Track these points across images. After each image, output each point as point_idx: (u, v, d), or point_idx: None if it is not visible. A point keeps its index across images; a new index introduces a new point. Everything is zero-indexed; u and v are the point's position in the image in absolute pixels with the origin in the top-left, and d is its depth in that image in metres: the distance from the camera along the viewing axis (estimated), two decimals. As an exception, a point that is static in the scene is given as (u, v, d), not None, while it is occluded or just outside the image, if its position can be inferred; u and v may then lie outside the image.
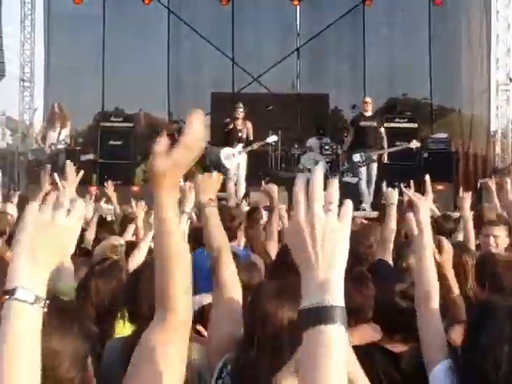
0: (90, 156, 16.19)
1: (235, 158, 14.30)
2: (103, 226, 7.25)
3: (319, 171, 1.57)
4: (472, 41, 19.34)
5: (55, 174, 5.60)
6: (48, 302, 1.69)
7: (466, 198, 6.53)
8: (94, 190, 12.32)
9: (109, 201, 8.76)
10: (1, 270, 2.08)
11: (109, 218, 8.80)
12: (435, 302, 3.15)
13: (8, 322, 1.65)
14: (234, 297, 3.02)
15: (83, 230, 6.02)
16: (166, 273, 2.07)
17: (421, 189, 4.58)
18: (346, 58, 20.13)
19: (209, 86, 19.40)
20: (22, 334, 1.64)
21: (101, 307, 3.93)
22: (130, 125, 17.08)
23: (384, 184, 6.09)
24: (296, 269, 1.57)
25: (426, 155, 15.95)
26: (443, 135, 16.85)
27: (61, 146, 16.12)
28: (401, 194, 5.98)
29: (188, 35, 19.82)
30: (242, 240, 6.01)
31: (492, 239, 5.86)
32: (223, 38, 19.86)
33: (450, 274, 3.81)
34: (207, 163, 16.68)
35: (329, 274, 1.51)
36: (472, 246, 5.95)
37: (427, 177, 4.55)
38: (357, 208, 12.65)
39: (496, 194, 7.75)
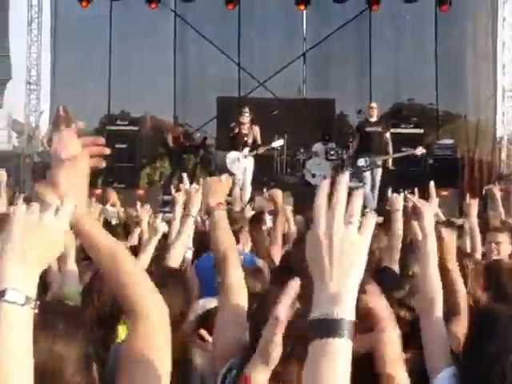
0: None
1: (241, 163, 14.28)
2: (108, 229, 7.24)
3: (344, 181, 1.56)
4: (478, 47, 19.35)
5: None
6: (52, 306, 1.68)
7: (473, 205, 6.48)
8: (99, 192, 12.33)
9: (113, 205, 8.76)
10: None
11: (114, 222, 8.80)
12: (439, 309, 3.14)
13: None
14: (239, 301, 3.01)
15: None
16: (119, 286, 2.09)
17: (425, 195, 4.58)
18: (352, 63, 20.13)
19: (215, 90, 19.43)
20: (13, 336, 1.62)
21: (103, 311, 3.94)
22: (136, 128, 17.11)
23: (389, 190, 6.07)
24: (300, 274, 1.57)
25: (431, 161, 15.95)
26: (449, 141, 16.85)
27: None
28: (406, 199, 5.97)
29: (194, 39, 19.83)
30: (248, 244, 6.00)
31: (494, 246, 5.84)
32: (229, 42, 19.88)
33: (454, 266, 3.70)
34: (213, 168, 16.73)
35: (342, 287, 1.50)
36: (478, 252, 5.93)
37: (432, 183, 4.55)
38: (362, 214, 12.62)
39: (501, 200, 7.72)
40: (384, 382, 2.39)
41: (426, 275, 3.24)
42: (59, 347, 1.96)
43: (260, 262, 5.43)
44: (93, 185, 13.96)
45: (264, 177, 15.48)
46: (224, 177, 3.50)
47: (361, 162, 14.44)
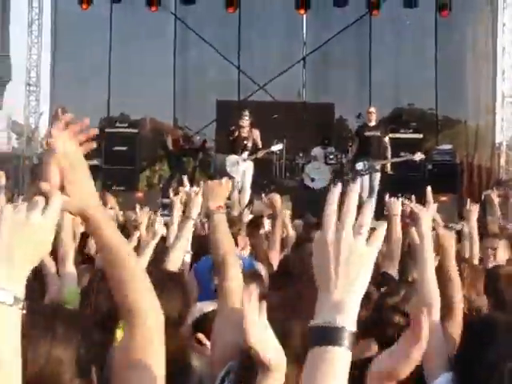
0: (95, 161, 16.22)
1: (240, 166, 14.30)
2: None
3: (355, 190, 1.57)
4: (478, 52, 19.38)
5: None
6: (51, 309, 1.66)
7: (474, 211, 6.47)
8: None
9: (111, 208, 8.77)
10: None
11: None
12: (436, 315, 3.16)
13: None
14: (238, 305, 2.99)
15: (87, 237, 6.03)
16: (123, 286, 2.08)
17: (423, 200, 4.60)
18: (352, 68, 20.16)
19: (214, 93, 19.43)
20: (1, 336, 1.59)
21: (101, 314, 3.92)
22: (135, 131, 17.14)
23: (387, 195, 6.07)
24: (297, 279, 1.58)
25: (430, 166, 15.98)
26: (448, 146, 16.88)
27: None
28: (403, 205, 5.97)
29: (194, 42, 19.85)
30: (247, 248, 6.00)
31: (491, 252, 5.85)
32: (229, 45, 19.90)
33: (453, 266, 3.66)
34: (212, 171, 16.75)
35: (346, 297, 1.51)
36: (475, 257, 5.94)
37: (429, 188, 4.57)
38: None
39: (499, 206, 7.73)
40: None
41: (423, 280, 3.25)
42: (58, 351, 1.96)
43: (259, 266, 5.43)
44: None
45: (263, 180, 15.49)
46: (224, 179, 3.51)
47: (359, 165, 14.48)
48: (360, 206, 1.56)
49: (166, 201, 13.22)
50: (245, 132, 14.36)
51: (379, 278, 5.11)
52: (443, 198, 13.45)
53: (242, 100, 19.48)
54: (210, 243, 3.23)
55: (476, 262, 5.80)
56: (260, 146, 14.44)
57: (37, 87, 19.90)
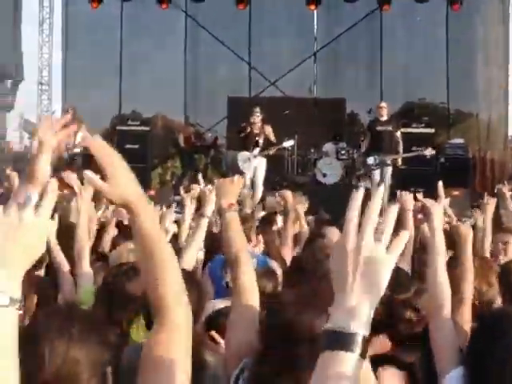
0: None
1: (252, 162, 14.30)
2: (120, 230, 7.25)
3: (379, 195, 1.56)
4: (489, 46, 19.31)
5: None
6: (67, 310, 1.65)
7: (491, 204, 6.42)
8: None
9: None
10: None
11: (125, 222, 8.81)
12: (447, 309, 3.15)
13: None
14: (252, 302, 3.01)
15: (101, 235, 6.06)
16: (156, 280, 2.07)
17: (434, 195, 4.60)
18: (363, 63, 20.14)
19: (225, 90, 19.42)
20: None
21: (116, 313, 3.92)
22: (147, 128, 17.16)
23: (399, 190, 6.06)
24: (311, 276, 1.58)
25: (442, 160, 15.95)
26: (460, 141, 16.84)
27: (77, 150, 16.21)
28: (415, 199, 5.97)
29: (205, 39, 19.86)
30: (260, 245, 6.01)
31: (502, 246, 5.83)
32: (240, 42, 19.90)
33: (468, 258, 3.65)
34: (224, 168, 16.76)
35: (362, 302, 1.50)
36: (487, 251, 5.92)
37: (440, 183, 4.57)
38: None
39: (510, 200, 7.68)
40: None
41: (434, 276, 3.24)
42: (74, 352, 1.97)
43: (273, 264, 5.43)
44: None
45: (275, 177, 15.50)
46: (236, 177, 3.51)
47: (370, 160, 14.48)
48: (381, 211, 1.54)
49: (178, 198, 13.24)
50: (256, 128, 14.36)
51: (392, 273, 5.10)
52: (455, 193, 13.42)
53: (253, 96, 19.47)
54: (223, 241, 3.23)
55: (487, 255, 5.78)
56: (274, 141, 14.44)
57: (49, 86, 19.97)
